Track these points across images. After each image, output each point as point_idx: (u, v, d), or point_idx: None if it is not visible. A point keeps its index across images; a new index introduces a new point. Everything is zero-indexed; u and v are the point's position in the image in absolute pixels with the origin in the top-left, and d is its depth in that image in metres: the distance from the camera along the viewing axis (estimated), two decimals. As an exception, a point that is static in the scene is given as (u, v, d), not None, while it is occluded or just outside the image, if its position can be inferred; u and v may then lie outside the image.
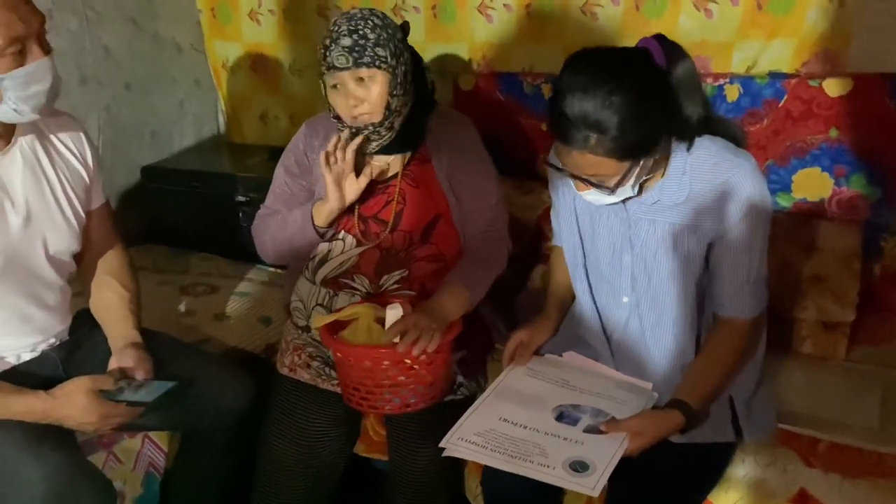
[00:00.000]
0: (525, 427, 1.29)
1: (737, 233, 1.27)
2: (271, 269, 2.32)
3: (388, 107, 1.46)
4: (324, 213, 1.53)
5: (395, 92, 1.46)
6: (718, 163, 1.26)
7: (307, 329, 1.64)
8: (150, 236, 2.56)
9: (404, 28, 1.52)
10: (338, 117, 1.50)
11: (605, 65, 1.18)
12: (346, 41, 1.41)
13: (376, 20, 1.45)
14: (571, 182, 1.43)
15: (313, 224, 1.55)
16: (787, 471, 1.36)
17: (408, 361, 1.36)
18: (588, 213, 1.42)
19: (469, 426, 1.30)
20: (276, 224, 1.63)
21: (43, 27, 1.27)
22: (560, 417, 1.31)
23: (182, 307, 2.10)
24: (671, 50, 1.22)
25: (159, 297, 2.13)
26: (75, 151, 1.48)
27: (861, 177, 1.83)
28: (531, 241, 2.04)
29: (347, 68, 1.41)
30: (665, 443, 1.27)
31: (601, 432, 1.26)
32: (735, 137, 1.31)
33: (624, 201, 1.33)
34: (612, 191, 1.24)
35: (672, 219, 1.31)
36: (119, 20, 2.46)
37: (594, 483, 1.16)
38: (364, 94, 1.44)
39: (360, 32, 1.42)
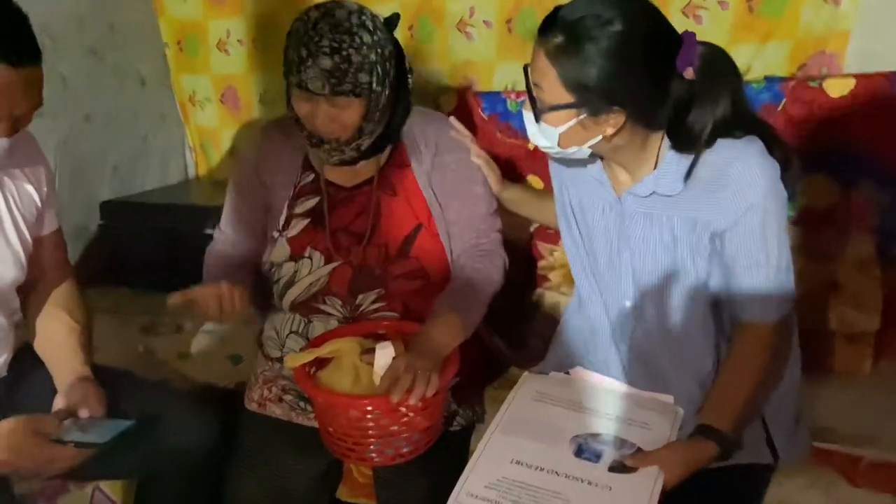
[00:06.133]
0: (542, 469, 1.11)
1: (747, 224, 1.12)
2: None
3: (360, 129, 1.33)
4: None
5: (371, 117, 1.32)
6: (719, 148, 1.13)
7: (281, 360, 1.46)
8: (109, 278, 2.37)
9: (391, 22, 1.36)
10: (298, 120, 1.35)
11: (637, 3, 1.07)
12: (326, 62, 1.22)
13: (365, 35, 1.25)
14: (567, 179, 1.33)
15: None
16: (830, 492, 1.21)
17: (402, 409, 1.19)
18: (581, 209, 1.30)
19: (477, 476, 1.11)
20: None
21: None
22: (579, 452, 1.14)
23: (141, 347, 1.91)
24: (709, 59, 1.08)
25: (117, 338, 1.95)
26: (27, 170, 1.33)
27: (869, 181, 1.73)
28: (525, 263, 1.90)
29: (323, 94, 1.25)
30: None
31: (628, 468, 1.09)
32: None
33: (617, 192, 1.22)
34: (538, 117, 1.11)
35: (670, 211, 1.18)
36: (77, 50, 2.33)
37: None
38: (336, 115, 1.29)
39: (344, 53, 1.23)
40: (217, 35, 2.57)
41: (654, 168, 1.17)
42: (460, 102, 2.17)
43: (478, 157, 1.45)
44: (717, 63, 1.09)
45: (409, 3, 2.15)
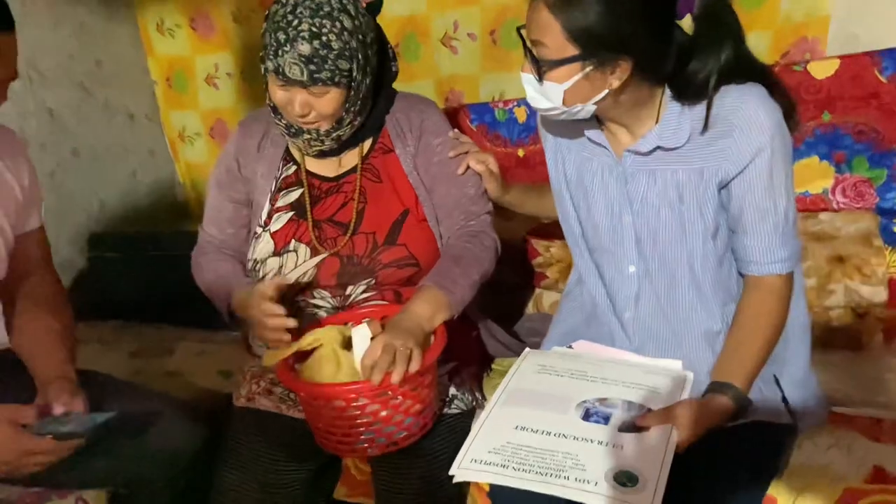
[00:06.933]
0: (548, 433, 1.05)
1: (753, 172, 1.10)
2: (236, 333, 2.09)
3: (339, 119, 1.30)
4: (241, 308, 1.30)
5: (351, 107, 1.29)
6: (722, 95, 1.10)
7: None
8: (97, 312, 2.32)
9: (374, 7, 1.33)
10: (276, 109, 1.31)
11: None
12: (305, 48, 1.18)
13: (346, 20, 1.21)
14: (563, 148, 1.30)
15: (229, 309, 1.33)
16: (853, 449, 1.14)
17: (389, 393, 1.13)
18: (579, 177, 1.26)
19: (480, 444, 1.05)
20: (203, 288, 1.42)
21: None
22: (587, 416, 1.07)
23: (130, 369, 1.84)
24: (710, 5, 1.05)
25: (104, 362, 1.88)
26: (8, 163, 1.30)
27: (863, 159, 1.71)
28: (521, 265, 1.86)
29: (300, 82, 1.22)
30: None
31: (639, 429, 1.03)
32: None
33: (617, 154, 1.19)
34: (541, 76, 1.08)
35: (674, 165, 1.15)
36: (66, 84, 2.35)
37: (650, 499, 0.92)
38: (314, 104, 1.26)
39: (324, 39, 1.19)
40: (205, 70, 2.60)
41: (656, 123, 1.15)
42: (448, 115, 2.17)
43: (478, 165, 1.42)
44: (718, 9, 1.07)
45: (395, 21, 2.18)
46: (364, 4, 1.31)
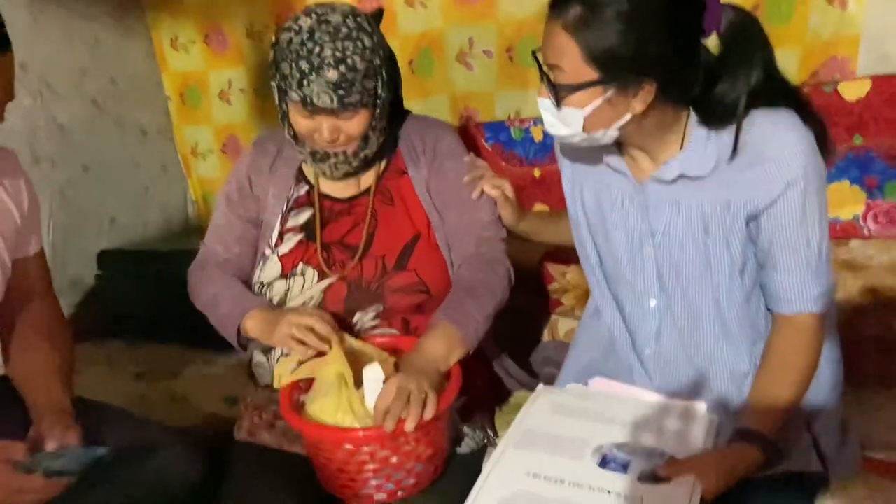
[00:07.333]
0: (562, 482, 0.99)
1: (785, 204, 1.03)
2: (242, 355, 2.05)
3: (365, 138, 1.27)
4: (258, 333, 1.26)
5: (378, 124, 1.27)
6: (751, 120, 1.04)
7: (271, 386, 1.34)
8: (105, 331, 2.28)
9: (378, 19, 1.29)
10: (296, 136, 1.28)
11: None
12: (332, 74, 1.15)
13: (366, 38, 1.19)
14: (580, 175, 1.24)
15: (238, 333, 1.28)
16: (892, 502, 1.06)
17: (401, 439, 1.07)
18: (597, 205, 1.20)
19: (489, 491, 0.99)
20: (205, 299, 1.36)
21: None
22: (604, 463, 1.02)
23: (134, 393, 1.80)
24: (738, 25, 1.00)
25: (108, 385, 1.84)
26: (7, 186, 1.27)
27: (895, 184, 1.64)
28: (535, 289, 1.80)
29: (331, 109, 1.19)
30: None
31: (660, 479, 0.97)
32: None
33: (638, 181, 1.13)
34: (559, 101, 1.02)
35: (699, 196, 1.09)
36: (78, 100, 2.32)
37: None
38: (343, 127, 1.23)
39: (349, 62, 1.16)
40: (219, 85, 2.56)
41: (680, 149, 1.09)
42: (463, 134, 2.11)
43: (493, 189, 1.37)
44: (746, 26, 1.01)
45: (410, 37, 2.13)
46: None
